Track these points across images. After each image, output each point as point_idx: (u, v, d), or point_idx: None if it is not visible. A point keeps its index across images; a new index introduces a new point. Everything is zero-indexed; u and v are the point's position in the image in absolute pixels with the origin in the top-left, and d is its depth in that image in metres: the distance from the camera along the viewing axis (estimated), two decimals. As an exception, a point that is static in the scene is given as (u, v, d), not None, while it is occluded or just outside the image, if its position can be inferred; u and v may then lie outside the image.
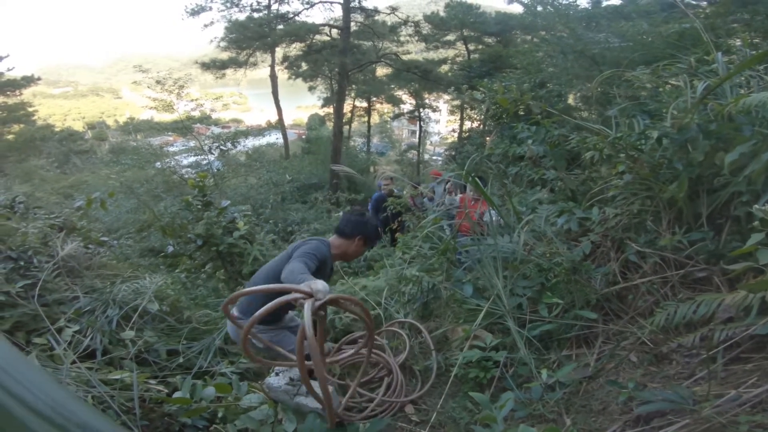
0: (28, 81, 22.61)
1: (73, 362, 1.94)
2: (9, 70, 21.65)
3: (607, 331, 1.92)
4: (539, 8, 8.75)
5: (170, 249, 4.26)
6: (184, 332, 2.76)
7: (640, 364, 1.70)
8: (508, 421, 1.46)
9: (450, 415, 1.95)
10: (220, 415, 1.75)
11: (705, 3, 6.85)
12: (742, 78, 2.32)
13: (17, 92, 22.69)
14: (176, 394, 1.71)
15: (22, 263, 2.67)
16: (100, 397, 1.69)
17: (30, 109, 24.78)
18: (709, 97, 2.09)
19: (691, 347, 1.48)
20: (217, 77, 18.54)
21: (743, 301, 1.17)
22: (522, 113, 5.05)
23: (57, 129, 29.92)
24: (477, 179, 2.27)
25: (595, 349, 1.88)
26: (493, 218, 2.78)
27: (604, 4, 9.10)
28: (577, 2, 8.41)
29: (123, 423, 1.62)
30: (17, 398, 0.23)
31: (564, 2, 7.98)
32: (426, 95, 23.77)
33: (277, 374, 1.71)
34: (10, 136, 23.18)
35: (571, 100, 6.63)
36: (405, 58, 19.00)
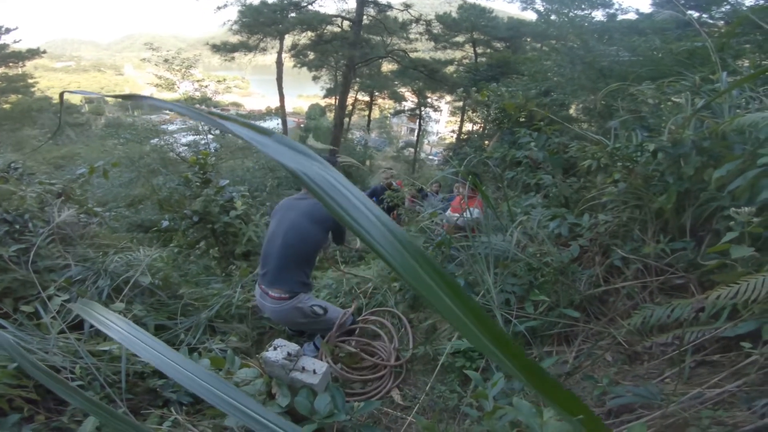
0: (33, 54, 22.45)
1: (61, 332, 1.90)
2: (15, 42, 21.46)
3: (587, 331, 2.00)
4: (553, 17, 8.74)
5: (165, 224, 4.24)
6: (175, 308, 2.76)
7: (615, 363, 1.78)
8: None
9: (440, 394, 2.01)
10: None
11: (722, 23, 6.85)
12: (742, 99, 2.38)
13: (20, 64, 22.46)
14: (170, 366, 1.71)
15: (17, 227, 2.61)
16: (86, 369, 1.68)
17: (30, 81, 24.50)
18: (708, 116, 2.15)
19: (662, 346, 1.56)
20: (225, 60, 18.39)
21: (715, 301, 1.24)
22: (524, 119, 5.11)
23: (54, 101, 29.47)
24: (475, 177, 2.34)
25: (575, 347, 1.96)
26: (475, 216, 2.84)
27: (620, 17, 9.07)
28: (593, 15, 8.42)
29: (107, 396, 1.63)
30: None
31: (579, 13, 7.98)
32: (429, 94, 23.75)
33: (275, 348, 1.72)
34: (6, 106, 22.87)
35: (572, 111, 6.68)
36: (412, 55, 19.02)
